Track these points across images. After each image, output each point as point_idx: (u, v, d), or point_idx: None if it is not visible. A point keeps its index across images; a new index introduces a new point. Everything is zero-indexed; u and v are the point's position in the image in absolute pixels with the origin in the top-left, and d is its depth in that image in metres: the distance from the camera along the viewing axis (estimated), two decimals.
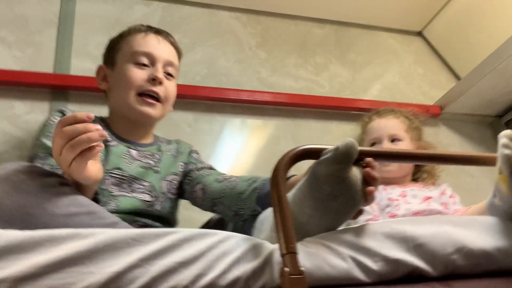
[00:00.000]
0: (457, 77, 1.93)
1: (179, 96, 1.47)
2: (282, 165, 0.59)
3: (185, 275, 0.51)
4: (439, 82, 1.91)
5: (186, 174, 1.08)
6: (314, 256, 0.56)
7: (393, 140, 1.30)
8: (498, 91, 1.70)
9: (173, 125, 1.44)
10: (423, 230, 0.62)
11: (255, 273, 0.53)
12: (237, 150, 1.50)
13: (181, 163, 1.10)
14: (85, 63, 1.42)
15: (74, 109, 1.27)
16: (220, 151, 1.47)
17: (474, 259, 0.63)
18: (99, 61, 1.44)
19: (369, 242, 0.59)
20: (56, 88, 1.35)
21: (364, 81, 1.79)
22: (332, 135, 1.62)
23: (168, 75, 1.05)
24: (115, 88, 1.04)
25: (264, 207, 0.83)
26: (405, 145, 1.29)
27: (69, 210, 0.63)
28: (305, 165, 0.67)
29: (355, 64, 1.81)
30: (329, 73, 1.75)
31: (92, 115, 0.64)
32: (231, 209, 0.91)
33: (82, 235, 0.52)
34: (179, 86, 1.48)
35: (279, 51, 1.71)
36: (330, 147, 0.61)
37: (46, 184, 0.63)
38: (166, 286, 0.50)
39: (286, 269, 0.50)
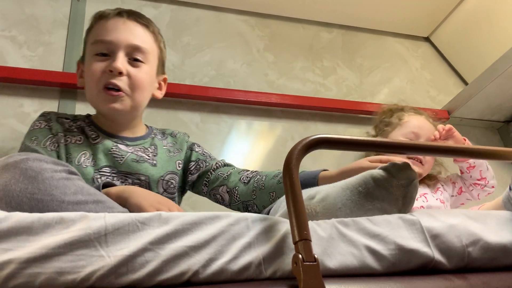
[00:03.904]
0: (464, 82, 1.92)
1: (187, 96, 1.48)
2: (295, 153, 0.58)
3: (196, 260, 0.50)
4: (447, 87, 1.90)
5: (200, 175, 1.03)
6: (326, 243, 0.55)
7: None
8: (506, 96, 1.69)
9: (181, 125, 1.43)
10: (438, 221, 0.61)
11: (267, 259, 0.52)
12: (244, 151, 1.50)
13: (179, 161, 1.03)
14: None
15: (81, 107, 1.28)
16: (228, 152, 1.47)
17: (491, 253, 0.61)
18: None
19: (384, 230, 0.58)
20: (65, 86, 1.35)
21: (372, 85, 1.79)
22: None
23: (135, 60, 0.94)
24: (86, 84, 0.97)
25: None
26: None
27: (77, 198, 0.62)
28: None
29: (363, 68, 1.81)
30: (336, 76, 1.75)
31: None
32: (265, 207, 0.92)
33: (92, 218, 0.51)
34: (186, 87, 1.49)
35: (286, 54, 1.72)
36: (343, 136, 0.61)
37: (54, 172, 0.63)
38: (178, 270, 0.49)
39: (300, 256, 0.49)
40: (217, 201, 1.02)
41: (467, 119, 1.78)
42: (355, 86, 1.76)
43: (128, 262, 0.49)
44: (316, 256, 0.49)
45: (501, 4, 1.73)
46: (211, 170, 1.02)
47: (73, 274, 0.47)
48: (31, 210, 0.59)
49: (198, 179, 1.03)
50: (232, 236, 0.53)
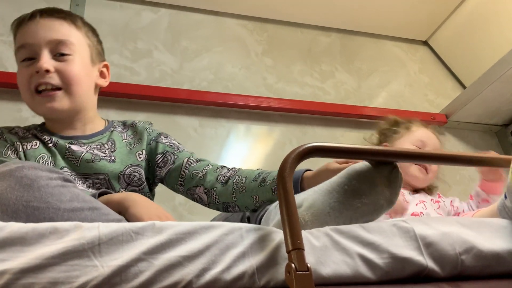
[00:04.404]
0: (462, 85, 1.93)
1: (185, 101, 1.49)
2: (289, 161, 0.58)
3: (190, 269, 0.50)
4: (445, 90, 1.91)
5: (170, 171, 0.98)
6: (320, 252, 0.55)
7: None
8: (504, 100, 1.69)
9: (179, 130, 1.44)
10: (432, 229, 0.61)
11: (260, 269, 0.53)
12: (243, 156, 1.50)
13: (139, 152, 0.99)
14: None
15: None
16: (226, 156, 1.47)
17: (484, 261, 0.62)
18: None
19: (378, 238, 0.58)
20: None
21: (370, 89, 1.79)
22: (337, 142, 1.61)
23: (62, 55, 0.92)
24: (21, 92, 0.95)
25: None
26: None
27: (73, 205, 0.62)
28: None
29: (361, 72, 1.82)
30: (335, 80, 1.75)
31: None
32: (248, 208, 0.90)
33: (86, 228, 0.51)
34: (185, 91, 1.49)
35: (285, 58, 1.72)
36: (338, 145, 0.62)
37: (50, 179, 0.63)
38: (171, 280, 0.50)
39: (292, 265, 0.49)
40: (195, 200, 0.98)
41: (465, 123, 1.79)
42: (353, 90, 1.76)
43: (122, 272, 0.49)
44: (309, 265, 0.50)
45: (499, 8, 1.73)
46: (184, 169, 0.97)
47: (67, 284, 0.47)
48: (27, 217, 0.59)
49: (169, 175, 0.98)
50: (226, 246, 0.54)
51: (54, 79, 0.90)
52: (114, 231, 0.51)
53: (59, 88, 0.91)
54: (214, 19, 1.71)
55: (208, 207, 0.97)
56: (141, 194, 0.93)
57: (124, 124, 1.05)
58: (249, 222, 0.92)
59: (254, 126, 1.56)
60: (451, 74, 1.95)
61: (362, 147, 0.65)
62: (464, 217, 0.97)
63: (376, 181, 0.63)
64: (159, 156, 0.99)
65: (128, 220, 0.72)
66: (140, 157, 0.98)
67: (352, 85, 1.77)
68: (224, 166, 0.97)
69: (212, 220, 1.06)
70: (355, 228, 0.60)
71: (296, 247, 0.51)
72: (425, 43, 2.01)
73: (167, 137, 1.03)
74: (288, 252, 0.51)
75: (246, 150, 1.53)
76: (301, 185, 0.83)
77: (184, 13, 1.68)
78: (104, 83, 1.03)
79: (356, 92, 1.76)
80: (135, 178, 0.96)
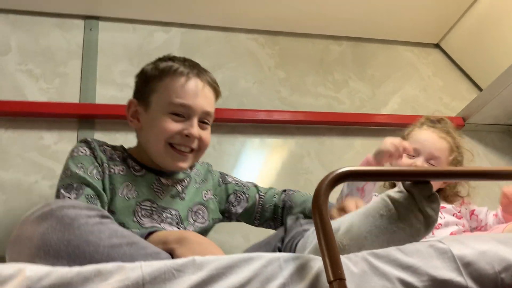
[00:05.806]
0: (478, 87, 1.91)
1: None
2: (323, 188, 0.59)
3: None
4: (460, 93, 1.89)
5: (246, 209, 1.11)
6: (359, 278, 0.55)
7: (430, 159, 1.19)
8: None
9: None
10: (469, 248, 0.61)
11: None
12: (262, 170, 1.50)
13: (205, 191, 1.07)
14: (109, 91, 1.45)
15: (100, 137, 1.30)
16: (244, 171, 1.47)
17: None
18: (123, 88, 1.46)
19: (416, 261, 0.58)
20: (83, 117, 1.37)
21: (384, 96, 1.79)
22: (355, 151, 1.61)
23: (204, 123, 1.00)
24: (146, 131, 0.99)
25: None
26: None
27: (112, 242, 0.63)
28: None
29: (374, 79, 1.81)
30: (349, 89, 1.75)
31: None
32: None
33: (129, 268, 0.52)
34: None
35: (297, 70, 1.72)
36: (370, 168, 0.62)
37: (88, 217, 0.64)
38: None
39: None
40: (267, 227, 1.13)
41: (482, 125, 1.77)
42: (368, 97, 1.76)
43: None
44: None
45: (511, 7, 1.72)
46: (258, 205, 1.11)
47: None
48: (68, 256, 0.60)
49: (245, 213, 1.11)
50: (266, 278, 0.54)
51: (195, 144, 0.98)
52: (156, 270, 0.52)
53: (192, 151, 0.98)
54: (224, 35, 1.71)
55: (274, 229, 1.11)
56: (204, 232, 1.02)
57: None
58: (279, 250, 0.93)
59: (270, 139, 1.57)
60: (465, 76, 1.93)
61: (395, 169, 0.65)
62: (499, 234, 0.95)
63: (411, 207, 0.64)
64: (232, 196, 1.11)
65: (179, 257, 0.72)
66: (206, 197, 1.07)
67: (366, 93, 1.77)
68: (282, 192, 1.13)
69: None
70: (393, 252, 0.60)
71: (337, 277, 0.51)
72: (437, 46, 1.99)
73: (227, 175, 1.15)
74: (330, 282, 0.51)
75: (264, 164, 1.53)
76: None
77: (195, 31, 1.69)
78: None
79: (371, 100, 1.75)
80: (199, 216, 1.03)
